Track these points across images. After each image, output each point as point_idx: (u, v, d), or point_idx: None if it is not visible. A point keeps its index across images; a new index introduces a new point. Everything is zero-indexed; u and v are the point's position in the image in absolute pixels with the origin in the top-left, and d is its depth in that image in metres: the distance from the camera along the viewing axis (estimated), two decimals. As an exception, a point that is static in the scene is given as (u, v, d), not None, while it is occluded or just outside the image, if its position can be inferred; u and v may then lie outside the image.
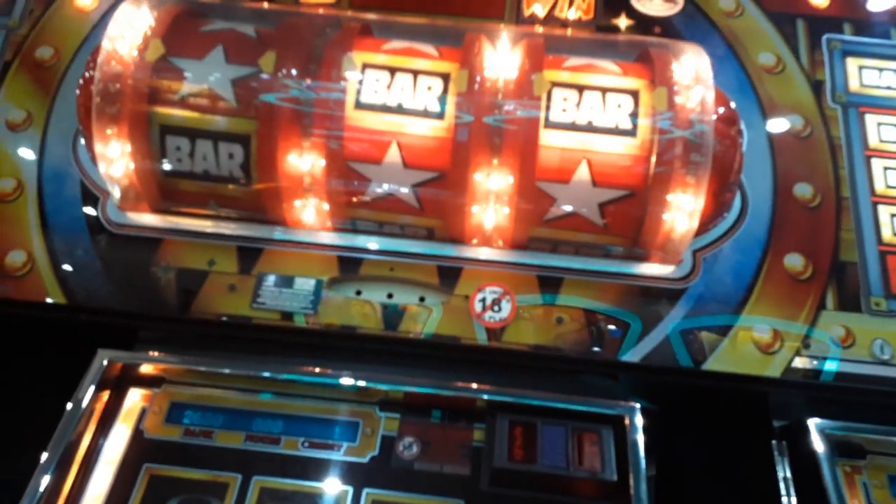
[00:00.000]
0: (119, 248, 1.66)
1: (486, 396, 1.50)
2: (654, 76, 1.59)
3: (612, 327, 1.59)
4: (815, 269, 1.64)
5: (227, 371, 1.54)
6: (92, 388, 1.48)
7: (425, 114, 1.56)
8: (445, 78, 1.59)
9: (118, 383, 1.54)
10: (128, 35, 1.61)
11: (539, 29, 1.88)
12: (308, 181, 1.62)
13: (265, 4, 1.88)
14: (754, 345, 1.56)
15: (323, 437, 1.48)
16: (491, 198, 1.60)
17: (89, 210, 1.70)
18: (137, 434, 1.48)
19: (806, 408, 1.54)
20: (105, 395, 1.51)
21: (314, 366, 1.55)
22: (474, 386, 1.52)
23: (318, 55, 1.62)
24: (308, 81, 1.57)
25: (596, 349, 1.57)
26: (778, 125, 1.79)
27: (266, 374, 1.54)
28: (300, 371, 1.54)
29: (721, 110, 1.60)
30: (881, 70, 1.86)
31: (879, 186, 1.72)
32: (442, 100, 1.57)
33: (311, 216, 1.68)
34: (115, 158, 1.61)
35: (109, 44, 1.59)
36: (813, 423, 1.50)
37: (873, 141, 1.77)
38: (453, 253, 1.67)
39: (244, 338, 1.62)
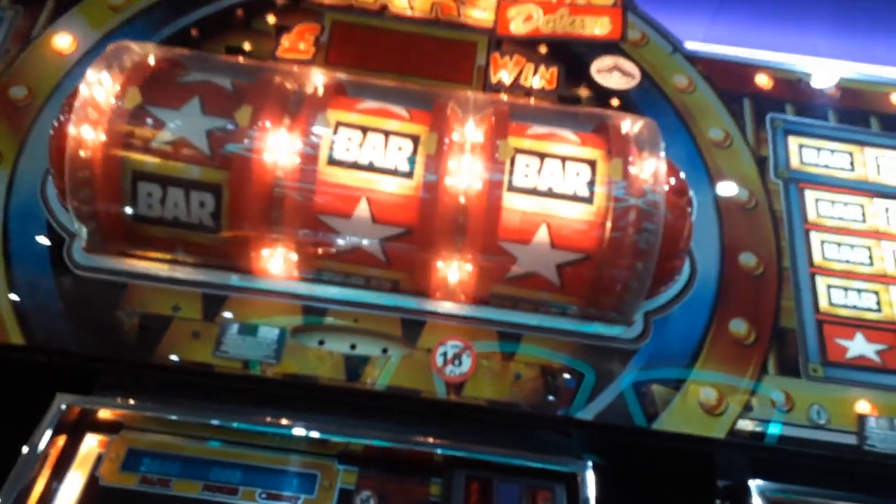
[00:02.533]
0: (83, 290, 1.66)
1: (443, 451, 1.53)
2: (610, 147, 1.69)
3: (566, 376, 1.64)
4: (758, 334, 1.73)
5: (185, 419, 1.54)
6: (49, 433, 1.47)
7: (395, 172, 1.63)
8: (415, 139, 1.66)
9: (75, 428, 1.52)
10: (105, 81, 1.64)
11: (504, 96, 1.97)
12: (277, 231, 1.65)
13: (241, 59, 1.93)
14: (700, 406, 1.63)
15: (281, 489, 1.49)
16: (455, 255, 1.65)
17: (54, 251, 1.69)
18: (92, 481, 1.46)
19: (749, 469, 1.61)
20: (61, 440, 1.50)
21: (274, 416, 1.56)
22: (433, 440, 1.55)
23: (293, 111, 1.67)
24: (283, 135, 1.62)
25: (550, 398, 1.62)
26: (725, 197, 1.90)
27: (223, 424, 1.54)
28: (258, 421, 1.55)
29: (672, 181, 1.70)
30: (819, 149, 1.99)
31: (817, 258, 1.84)
32: (411, 160, 1.63)
33: (278, 265, 1.71)
34: (84, 201, 1.62)
35: (87, 89, 1.62)
36: (754, 484, 1.57)
37: (812, 215, 1.89)
38: (417, 306, 1.71)
39: (206, 385, 1.62)
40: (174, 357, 1.61)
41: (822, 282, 1.80)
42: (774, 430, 1.62)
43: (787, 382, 1.68)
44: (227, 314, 1.66)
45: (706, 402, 1.64)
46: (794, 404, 1.65)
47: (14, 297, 1.63)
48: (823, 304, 1.78)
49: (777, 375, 1.68)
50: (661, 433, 1.61)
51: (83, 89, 1.62)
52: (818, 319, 1.76)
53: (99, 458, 1.49)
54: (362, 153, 1.64)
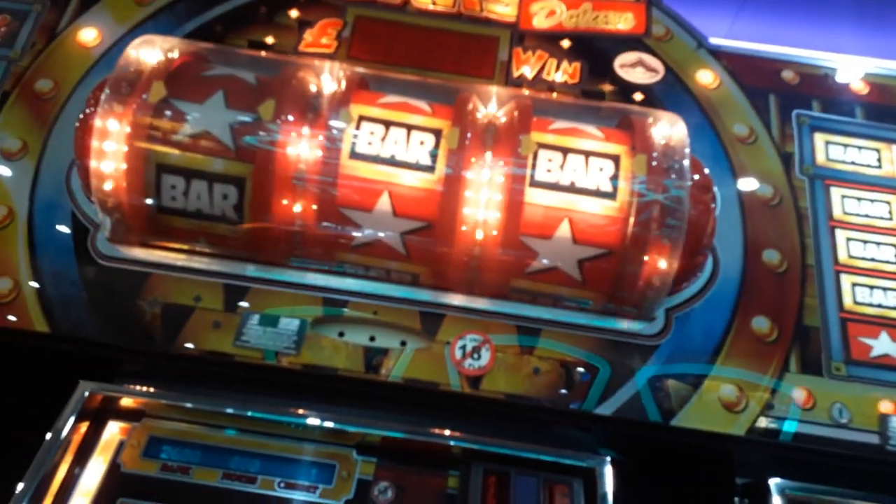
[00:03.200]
0: (106, 280, 1.68)
1: (461, 444, 1.53)
2: (634, 142, 1.68)
3: (580, 370, 1.64)
4: (781, 332, 1.71)
5: (205, 407, 1.56)
6: (72, 420, 1.49)
7: (417, 166, 1.63)
8: (437, 134, 1.66)
9: (98, 415, 1.55)
10: (131, 75, 1.66)
11: (526, 91, 1.96)
12: (299, 224, 1.66)
13: (264, 53, 1.95)
14: (721, 403, 1.62)
15: (299, 479, 1.50)
16: (476, 249, 1.65)
17: (78, 241, 1.71)
18: (114, 468, 1.48)
19: (768, 467, 1.59)
20: (84, 427, 1.52)
21: (294, 406, 1.58)
22: (450, 433, 1.55)
23: (316, 105, 1.68)
24: (306, 129, 1.63)
25: (563, 391, 1.61)
26: (749, 193, 1.88)
27: (241, 412, 1.55)
28: (277, 411, 1.56)
29: (696, 177, 1.68)
30: (846, 146, 1.97)
31: (842, 256, 1.81)
32: (433, 154, 1.63)
33: (299, 258, 1.72)
34: (109, 192, 1.64)
35: (113, 82, 1.64)
36: (774, 482, 1.56)
37: (837, 212, 1.87)
38: (436, 300, 1.71)
39: (227, 375, 1.64)
40: (196, 346, 1.62)
41: (846, 280, 1.78)
42: (795, 428, 1.60)
43: (810, 380, 1.66)
44: (248, 305, 1.67)
45: (726, 399, 1.63)
46: (815, 402, 1.64)
47: (38, 285, 1.66)
48: (848, 302, 1.76)
49: (799, 373, 1.67)
50: (680, 429, 1.61)
51: (109, 82, 1.64)
52: (842, 318, 1.74)
53: (120, 445, 1.52)
54: (384, 147, 1.65)
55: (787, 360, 1.68)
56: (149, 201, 1.65)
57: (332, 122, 1.65)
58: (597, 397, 1.62)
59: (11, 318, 1.62)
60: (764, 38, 2.24)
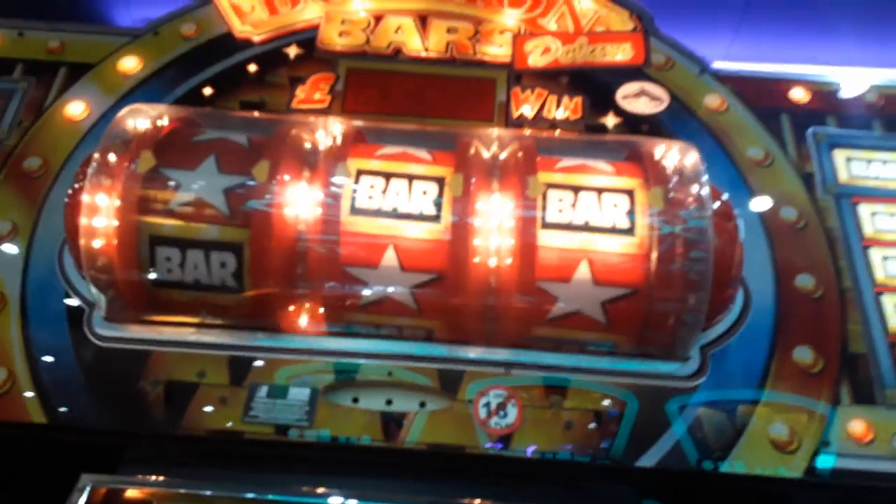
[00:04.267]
0: (104, 361, 1.60)
1: (495, 512, 1.42)
2: (647, 174, 1.60)
3: (614, 416, 1.53)
4: (826, 361, 1.60)
5: (217, 493, 1.45)
6: (74, 517, 1.39)
7: (421, 217, 1.56)
8: (440, 181, 1.59)
9: (102, 510, 1.44)
10: (118, 146, 1.61)
11: (528, 131, 1.90)
12: (303, 287, 1.58)
13: (256, 113, 1.89)
14: (771, 444, 1.50)
15: (322, 562, 1.39)
16: (490, 298, 1.56)
17: (73, 323, 1.63)
18: (123, 567, 1.37)
19: (832, 510, 1.48)
20: (88, 524, 1.42)
21: (311, 483, 1.48)
22: (481, 502, 1.44)
23: (312, 162, 1.62)
24: (303, 188, 1.56)
25: (603, 445, 1.50)
26: (773, 218, 1.79)
27: (254, 496, 1.45)
28: (294, 492, 1.46)
29: (716, 205, 1.60)
30: (869, 161, 1.89)
31: (880, 276, 1.71)
32: (437, 203, 1.57)
33: (305, 322, 1.63)
34: (102, 269, 1.57)
35: (100, 155, 1.59)
36: (839, 527, 1.43)
37: (868, 230, 1.78)
38: (453, 354, 1.62)
39: (237, 454, 1.54)
40: (202, 426, 1.52)
41: (888, 300, 1.68)
42: (856, 464, 1.48)
43: (865, 411, 1.55)
44: (255, 377, 1.58)
45: (777, 439, 1.51)
46: (875, 436, 1.51)
47: (34, 373, 1.57)
48: (893, 324, 1.65)
49: (852, 405, 1.55)
50: (730, 476, 1.48)
51: (95, 156, 1.59)
52: (890, 342, 1.63)
53: (128, 542, 1.41)
54: (386, 200, 1.58)
55: (836, 391, 1.57)
56: (144, 276, 1.57)
57: (330, 179, 1.59)
58: (627, 443, 1.50)
59: (7, 410, 1.53)
60: (764, 57, 2.19)
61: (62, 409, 1.54)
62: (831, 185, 1.84)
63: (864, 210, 1.80)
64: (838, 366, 1.60)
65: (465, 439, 1.52)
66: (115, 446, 1.56)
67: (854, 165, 1.87)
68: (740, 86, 2.02)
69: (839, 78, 2.05)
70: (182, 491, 1.47)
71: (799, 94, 2.01)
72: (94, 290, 1.60)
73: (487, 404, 1.55)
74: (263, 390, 1.57)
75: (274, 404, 1.55)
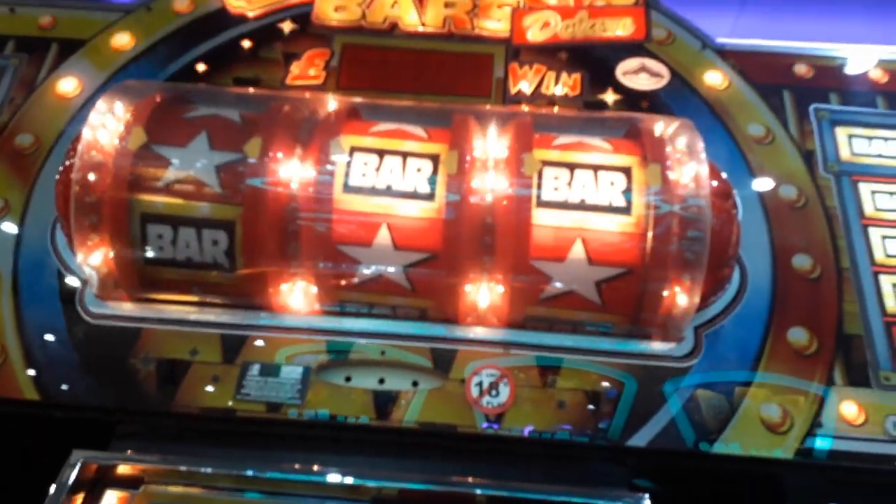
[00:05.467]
0: (97, 339, 1.59)
1: (486, 491, 1.42)
2: (645, 152, 1.58)
3: (608, 396, 1.53)
4: (821, 342, 1.58)
5: (206, 470, 1.45)
6: (66, 492, 1.39)
7: (415, 195, 1.54)
8: (435, 159, 1.57)
9: (93, 485, 1.44)
10: (109, 123, 1.59)
11: (526, 107, 1.87)
12: (295, 265, 1.57)
13: (250, 90, 1.87)
14: (763, 424, 1.50)
15: (313, 539, 1.39)
16: (484, 277, 1.55)
17: (66, 300, 1.63)
18: (113, 542, 1.38)
19: (823, 491, 1.47)
20: (79, 499, 1.42)
21: (303, 461, 1.47)
22: (472, 480, 1.43)
23: (305, 139, 1.60)
24: (295, 165, 1.54)
25: (602, 425, 1.50)
26: (772, 196, 1.77)
27: (251, 473, 1.45)
28: (287, 469, 1.46)
29: (714, 184, 1.57)
30: (871, 138, 1.85)
31: (879, 256, 1.69)
32: (432, 181, 1.54)
33: (298, 300, 1.63)
34: (94, 247, 1.56)
35: (90, 132, 1.56)
36: (831, 509, 1.43)
37: (869, 209, 1.75)
38: (447, 334, 1.61)
39: (229, 431, 1.54)
40: (195, 403, 1.52)
41: (886, 281, 1.65)
42: (848, 446, 1.47)
43: (858, 393, 1.53)
44: (248, 355, 1.57)
45: (769, 420, 1.50)
46: (868, 417, 1.50)
47: (26, 349, 1.57)
48: (891, 305, 1.63)
49: (846, 386, 1.54)
50: (722, 456, 1.48)
51: (86, 133, 1.57)
52: (886, 322, 1.61)
53: (120, 517, 1.41)
54: (379, 177, 1.56)
55: (830, 372, 1.55)
56: (136, 253, 1.56)
57: (323, 156, 1.57)
58: (625, 424, 1.50)
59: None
60: (769, 34, 2.15)
61: (54, 386, 1.54)
62: (832, 163, 1.81)
63: (865, 189, 1.76)
64: (833, 347, 1.58)
65: (458, 418, 1.51)
66: (106, 423, 1.55)
67: (856, 143, 1.84)
68: (743, 61, 1.97)
69: (844, 53, 2.01)
70: (174, 468, 1.47)
71: (802, 70, 1.97)
72: (86, 267, 1.59)
73: (480, 383, 1.54)
74: (255, 368, 1.56)
75: (266, 382, 1.55)
